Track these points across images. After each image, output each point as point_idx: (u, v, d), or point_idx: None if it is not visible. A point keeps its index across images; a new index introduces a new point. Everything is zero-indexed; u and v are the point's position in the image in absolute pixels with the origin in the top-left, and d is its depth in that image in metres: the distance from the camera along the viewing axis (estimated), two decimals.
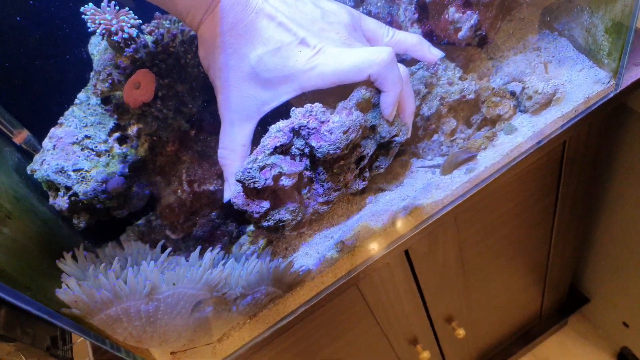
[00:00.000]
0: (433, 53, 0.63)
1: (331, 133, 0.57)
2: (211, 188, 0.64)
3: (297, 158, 0.61)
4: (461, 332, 1.04)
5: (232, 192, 0.61)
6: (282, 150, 0.60)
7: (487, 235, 0.90)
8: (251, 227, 0.73)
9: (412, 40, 0.62)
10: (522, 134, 0.70)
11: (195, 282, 0.56)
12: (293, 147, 0.60)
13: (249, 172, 0.58)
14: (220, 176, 0.65)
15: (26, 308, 0.46)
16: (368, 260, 0.70)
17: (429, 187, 0.69)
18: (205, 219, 0.66)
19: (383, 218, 0.68)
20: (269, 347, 0.74)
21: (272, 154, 0.59)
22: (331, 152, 0.58)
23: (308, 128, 0.58)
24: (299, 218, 0.66)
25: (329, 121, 0.58)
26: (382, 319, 0.90)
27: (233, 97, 0.56)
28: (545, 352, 1.48)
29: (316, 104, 0.59)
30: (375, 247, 0.70)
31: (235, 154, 0.60)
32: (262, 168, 0.58)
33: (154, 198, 0.66)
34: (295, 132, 0.59)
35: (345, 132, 0.57)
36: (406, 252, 0.79)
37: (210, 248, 0.60)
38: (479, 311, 1.12)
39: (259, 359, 0.76)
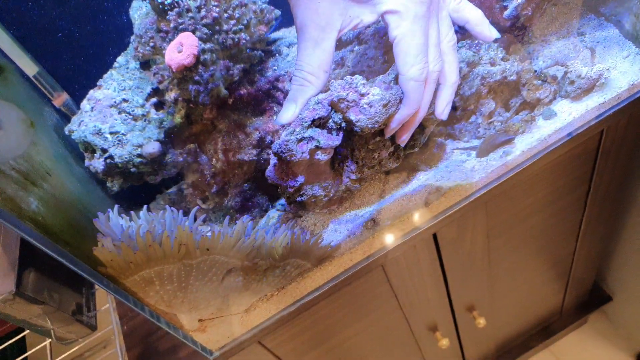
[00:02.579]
0: (492, 32, 0.59)
1: (371, 106, 0.56)
2: (246, 158, 0.64)
3: (334, 132, 0.60)
4: (482, 322, 1.03)
5: (291, 115, 0.54)
6: (320, 123, 0.60)
7: (515, 224, 0.89)
8: (281, 201, 0.72)
9: (476, 14, 0.58)
10: (562, 119, 0.69)
11: (228, 249, 0.56)
12: (330, 120, 0.59)
13: (286, 145, 0.57)
14: (255, 147, 0.65)
15: (66, 263, 0.46)
16: (396, 241, 0.69)
17: (464, 169, 0.68)
18: (237, 190, 0.66)
19: (415, 198, 0.68)
20: (292, 322, 0.75)
21: (309, 126, 0.58)
22: (369, 126, 0.57)
23: (347, 101, 0.57)
24: (331, 194, 0.65)
25: (368, 94, 0.57)
26: (404, 302, 0.89)
27: (319, 5, 0.51)
28: (563, 349, 1.46)
29: (356, 75, 0.58)
30: (404, 228, 0.69)
31: (319, 80, 0.54)
32: (299, 141, 0.58)
33: (187, 166, 0.66)
34: (334, 104, 0.58)
35: (385, 106, 0.56)
36: (434, 236, 0.78)
37: (244, 216, 0.60)
38: (500, 302, 1.11)
39: (282, 334, 0.76)
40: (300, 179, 0.61)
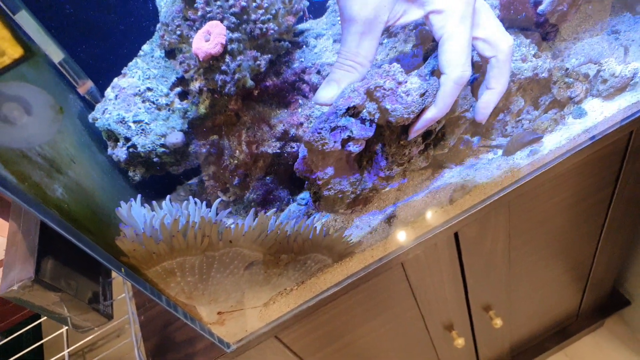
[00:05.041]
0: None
1: (408, 95, 0.54)
2: (269, 150, 0.63)
3: (367, 123, 0.58)
4: (498, 322, 1.02)
5: (331, 96, 0.55)
6: (354, 112, 0.58)
7: (537, 225, 0.88)
8: (302, 195, 0.71)
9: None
10: (592, 118, 0.67)
11: (251, 241, 0.55)
12: (365, 110, 0.58)
13: (319, 133, 0.56)
14: (279, 139, 0.64)
15: (90, 253, 0.46)
16: (418, 239, 0.68)
17: (490, 168, 0.67)
18: (259, 182, 0.66)
19: (439, 196, 0.67)
20: (310, 317, 0.74)
21: (343, 115, 0.57)
22: (405, 116, 0.55)
23: (384, 89, 0.55)
24: (358, 192, 0.64)
25: (406, 82, 0.55)
26: (422, 301, 0.88)
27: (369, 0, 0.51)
28: (578, 352, 1.44)
29: (394, 64, 0.56)
30: (426, 226, 0.68)
31: (363, 68, 0.55)
32: (332, 129, 0.56)
33: (210, 157, 0.66)
34: (370, 93, 0.56)
35: (422, 95, 0.54)
36: (455, 235, 0.77)
37: (271, 210, 0.59)
38: (517, 302, 1.10)
39: (299, 329, 0.76)
40: (330, 170, 0.60)
